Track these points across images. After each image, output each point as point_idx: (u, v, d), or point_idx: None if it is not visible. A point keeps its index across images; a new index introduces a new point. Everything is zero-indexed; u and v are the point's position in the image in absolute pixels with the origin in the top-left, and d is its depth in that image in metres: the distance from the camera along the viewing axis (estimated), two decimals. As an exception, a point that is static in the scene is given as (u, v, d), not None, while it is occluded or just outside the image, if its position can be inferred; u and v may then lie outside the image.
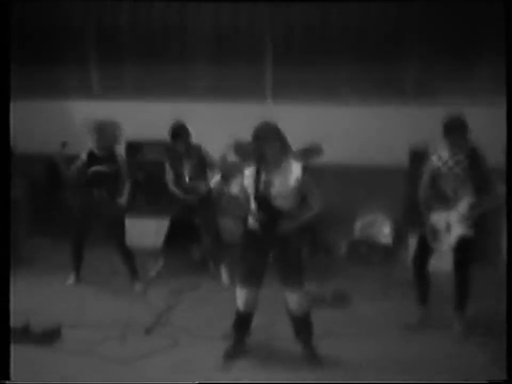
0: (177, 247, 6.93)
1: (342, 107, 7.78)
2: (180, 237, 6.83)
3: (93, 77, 8.38)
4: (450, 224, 5.05)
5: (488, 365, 4.57)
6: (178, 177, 6.53)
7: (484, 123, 7.07)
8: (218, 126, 7.43)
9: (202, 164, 6.46)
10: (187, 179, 6.45)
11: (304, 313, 4.57)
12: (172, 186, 6.59)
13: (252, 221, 4.50)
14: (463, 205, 5.02)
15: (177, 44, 8.16)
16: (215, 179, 6.38)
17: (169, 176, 6.60)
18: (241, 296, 4.59)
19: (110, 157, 6.24)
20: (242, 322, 4.68)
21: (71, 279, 6.43)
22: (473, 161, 4.98)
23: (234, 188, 6.65)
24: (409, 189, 6.85)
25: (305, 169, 4.42)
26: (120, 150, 6.81)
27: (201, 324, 5.30)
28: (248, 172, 4.50)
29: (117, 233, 6.31)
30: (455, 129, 4.99)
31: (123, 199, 6.27)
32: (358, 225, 7.62)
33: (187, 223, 6.74)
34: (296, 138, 4.71)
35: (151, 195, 7.81)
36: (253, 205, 4.42)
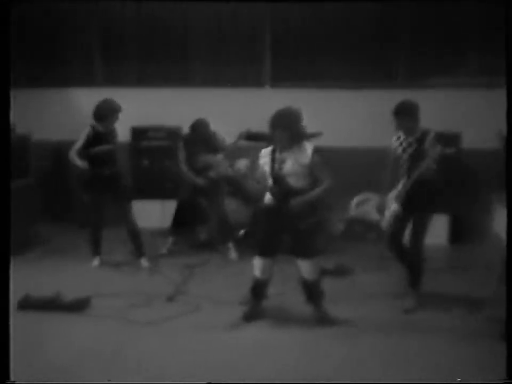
0: (185, 228, 7.25)
1: (336, 92, 8.22)
2: (187, 218, 7.11)
3: (96, 65, 8.68)
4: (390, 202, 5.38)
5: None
6: (190, 157, 6.80)
7: (469, 104, 7.67)
8: (219, 111, 7.80)
9: (215, 148, 6.80)
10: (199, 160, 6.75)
11: (316, 279, 5.02)
12: (183, 166, 6.87)
13: (268, 197, 4.95)
14: (400, 184, 5.32)
15: (178, 33, 8.50)
16: (220, 160, 6.79)
17: (181, 156, 6.88)
18: (258, 265, 5.03)
19: (110, 134, 6.40)
20: (259, 288, 5.11)
21: (95, 262, 6.64)
22: (422, 143, 5.16)
23: (242, 169, 7.10)
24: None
25: (315, 149, 4.89)
26: (125, 134, 7.08)
27: (218, 292, 5.73)
28: (264, 152, 4.97)
29: (125, 211, 6.53)
30: (401, 113, 5.23)
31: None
32: (353, 204, 7.94)
33: (194, 205, 7.07)
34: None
35: (156, 178, 8.17)
36: (269, 182, 4.89)
